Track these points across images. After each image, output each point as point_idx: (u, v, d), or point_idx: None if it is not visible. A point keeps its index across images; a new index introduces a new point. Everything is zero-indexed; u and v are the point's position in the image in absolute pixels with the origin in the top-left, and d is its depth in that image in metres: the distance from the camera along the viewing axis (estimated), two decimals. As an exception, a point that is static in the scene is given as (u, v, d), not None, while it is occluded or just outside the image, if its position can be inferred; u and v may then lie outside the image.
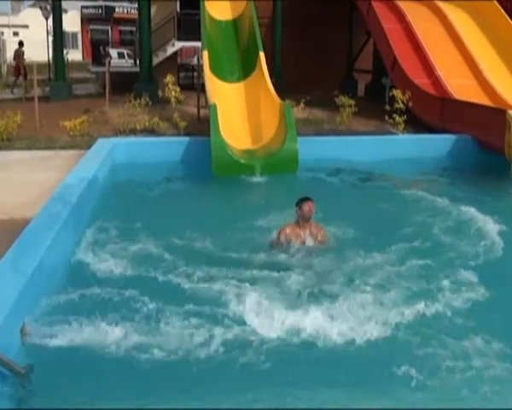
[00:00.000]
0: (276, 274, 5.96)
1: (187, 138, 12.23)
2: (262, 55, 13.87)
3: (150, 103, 14.58)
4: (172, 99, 13.94)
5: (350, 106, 14.48)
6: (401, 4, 17.68)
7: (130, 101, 14.37)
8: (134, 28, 33.44)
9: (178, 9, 24.53)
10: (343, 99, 14.66)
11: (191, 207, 8.99)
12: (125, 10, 44.16)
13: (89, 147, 11.35)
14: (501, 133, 11.25)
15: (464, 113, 13.03)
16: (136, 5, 21.26)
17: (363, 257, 6.45)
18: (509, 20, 16.40)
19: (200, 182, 10.62)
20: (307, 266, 6.21)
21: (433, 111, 13.99)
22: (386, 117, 13.77)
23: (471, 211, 8.33)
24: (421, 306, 5.23)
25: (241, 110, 13.04)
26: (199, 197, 9.80)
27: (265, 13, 19.78)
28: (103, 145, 11.36)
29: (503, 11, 16.34)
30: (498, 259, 6.68)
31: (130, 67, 26.38)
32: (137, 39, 22.93)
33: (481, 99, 14.07)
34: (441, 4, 17.61)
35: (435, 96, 14.37)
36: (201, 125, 13.78)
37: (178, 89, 14.20)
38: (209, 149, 10.64)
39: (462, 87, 14.68)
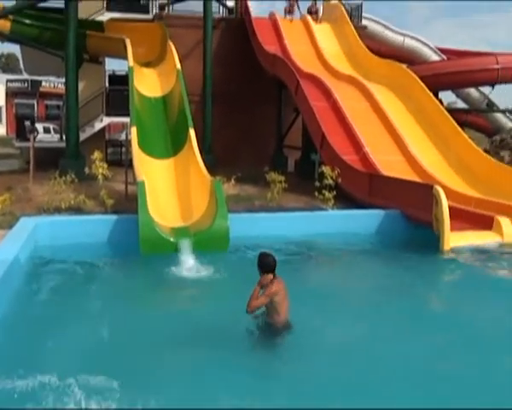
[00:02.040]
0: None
1: (114, 217, 11.76)
2: (192, 131, 13.88)
3: (76, 180, 14.12)
4: (100, 176, 13.58)
5: (280, 182, 14.47)
6: (328, 83, 18.15)
7: (55, 178, 13.89)
8: (61, 103, 33.13)
9: (107, 85, 24.50)
10: (273, 175, 14.65)
11: (118, 291, 8.72)
12: (52, 85, 43.96)
13: (11, 227, 10.82)
14: (428, 208, 11.48)
15: (392, 188, 13.25)
16: (63, 80, 20.97)
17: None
18: (433, 96, 17.11)
19: (127, 262, 10.29)
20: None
21: (362, 187, 14.18)
22: (316, 193, 13.80)
23: (398, 283, 9.02)
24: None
25: (170, 187, 12.86)
26: (126, 280, 9.50)
27: (196, 90, 19.92)
28: (26, 225, 10.82)
29: (425, 88, 17.03)
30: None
31: (57, 142, 25.88)
32: (64, 114, 22.60)
33: (408, 174, 14.43)
34: (366, 82, 18.21)
35: (363, 173, 14.60)
36: (129, 203, 13.39)
37: (106, 165, 13.84)
38: (137, 227, 10.37)
39: (389, 163, 15.03)
